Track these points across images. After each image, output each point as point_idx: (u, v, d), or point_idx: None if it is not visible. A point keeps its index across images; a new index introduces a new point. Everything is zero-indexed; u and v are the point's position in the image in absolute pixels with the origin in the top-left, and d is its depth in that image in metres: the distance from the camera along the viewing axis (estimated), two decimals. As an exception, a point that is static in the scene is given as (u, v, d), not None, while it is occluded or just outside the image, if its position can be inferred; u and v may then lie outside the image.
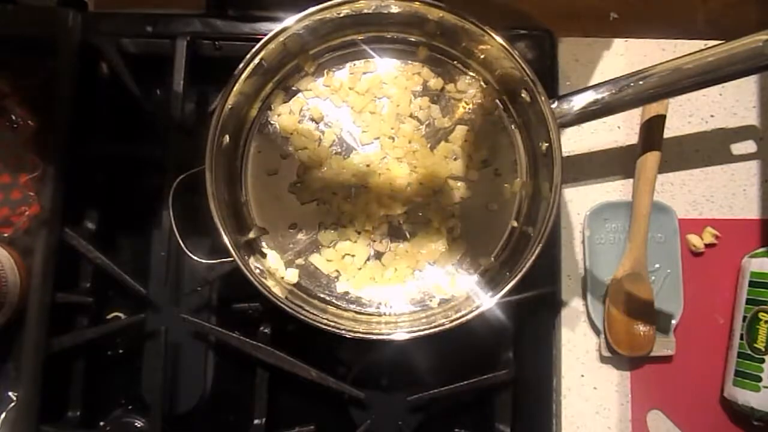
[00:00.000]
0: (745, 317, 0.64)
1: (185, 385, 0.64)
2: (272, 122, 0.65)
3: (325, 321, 0.58)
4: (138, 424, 0.64)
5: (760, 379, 0.61)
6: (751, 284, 0.64)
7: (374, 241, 0.64)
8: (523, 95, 0.62)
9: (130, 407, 0.65)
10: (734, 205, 0.68)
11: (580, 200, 0.68)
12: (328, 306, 0.63)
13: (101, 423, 0.64)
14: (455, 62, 0.66)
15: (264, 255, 0.63)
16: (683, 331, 0.66)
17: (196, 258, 0.60)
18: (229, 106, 0.59)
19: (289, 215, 0.64)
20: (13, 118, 0.64)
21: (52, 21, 0.63)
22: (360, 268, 0.64)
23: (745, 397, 0.62)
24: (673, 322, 0.66)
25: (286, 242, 0.64)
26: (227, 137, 0.61)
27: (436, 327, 0.57)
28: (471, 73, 0.65)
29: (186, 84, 0.65)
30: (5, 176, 0.64)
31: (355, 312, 0.63)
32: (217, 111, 0.59)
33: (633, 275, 0.65)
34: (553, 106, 0.59)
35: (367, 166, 0.64)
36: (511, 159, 0.65)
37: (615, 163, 0.68)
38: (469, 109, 0.66)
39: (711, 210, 0.68)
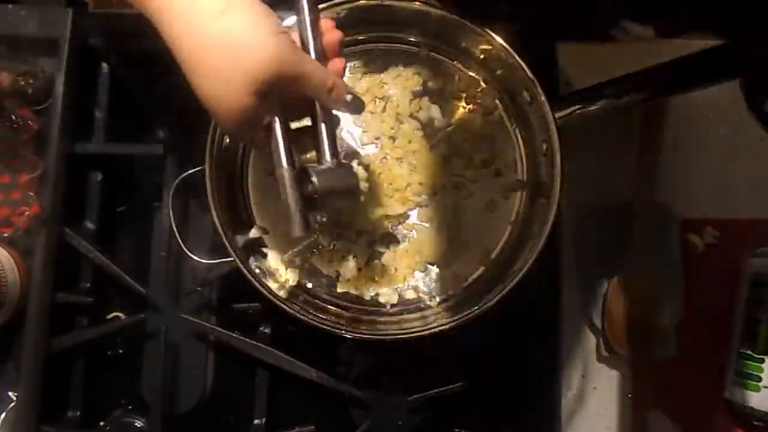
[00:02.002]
0: (745, 317, 0.64)
1: (185, 385, 0.64)
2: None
3: (325, 321, 0.58)
4: (138, 424, 0.64)
5: (760, 379, 0.61)
6: (751, 284, 0.64)
7: (374, 241, 0.64)
8: (523, 95, 0.62)
9: (130, 407, 0.65)
10: (734, 205, 0.68)
11: (580, 200, 0.68)
12: (328, 306, 0.63)
13: (101, 423, 0.64)
14: (455, 62, 0.66)
15: (264, 255, 0.63)
16: (683, 331, 0.66)
17: (196, 258, 0.60)
18: (229, 106, 0.59)
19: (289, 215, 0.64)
20: (13, 118, 0.64)
21: (52, 21, 0.64)
22: (360, 268, 0.64)
23: (745, 397, 0.62)
24: (673, 322, 0.65)
25: (286, 242, 0.64)
26: (227, 137, 0.61)
27: (436, 327, 0.57)
28: (471, 73, 0.65)
29: (186, 84, 0.64)
30: (5, 176, 0.64)
31: (356, 312, 0.63)
32: (217, 111, 0.59)
33: (633, 275, 0.64)
34: (553, 106, 0.59)
35: (367, 166, 0.64)
36: (511, 159, 0.65)
37: (615, 162, 0.68)
38: (469, 109, 0.66)
39: (711, 210, 0.68)
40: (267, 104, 0.45)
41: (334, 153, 0.51)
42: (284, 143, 0.48)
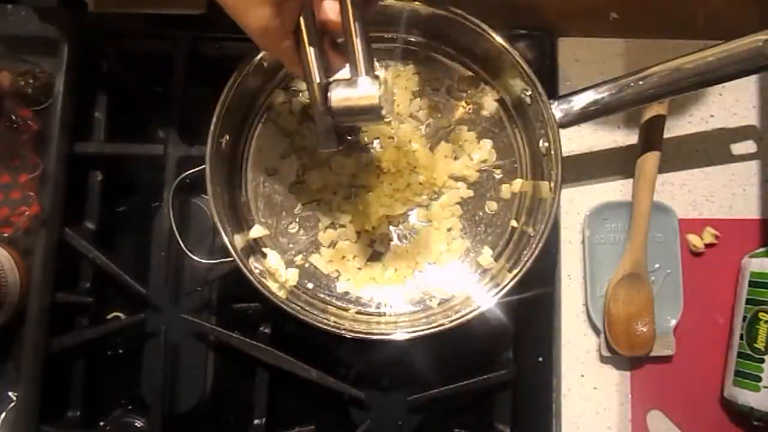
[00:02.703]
0: (745, 317, 0.64)
1: (185, 385, 0.64)
2: (272, 122, 0.65)
3: (326, 321, 0.58)
4: (138, 424, 0.64)
5: (760, 379, 0.61)
6: (751, 284, 0.64)
7: (374, 241, 0.64)
8: (523, 95, 0.62)
9: (130, 407, 0.65)
10: (734, 205, 0.68)
11: (580, 200, 0.68)
12: (329, 306, 0.63)
13: (101, 423, 0.64)
14: (455, 62, 0.66)
15: (264, 255, 0.63)
16: (683, 331, 0.66)
17: (196, 258, 0.60)
18: (229, 106, 0.59)
19: (289, 215, 0.64)
20: (13, 118, 0.64)
21: (52, 21, 0.64)
22: (360, 268, 0.64)
23: (745, 397, 0.62)
24: (673, 322, 0.65)
25: (286, 242, 0.64)
26: (227, 137, 0.61)
27: (436, 327, 0.58)
28: (471, 73, 0.65)
29: (186, 84, 0.65)
30: (5, 176, 0.64)
31: (355, 312, 0.63)
32: (217, 111, 0.59)
33: (633, 275, 0.65)
34: (553, 106, 0.59)
35: (367, 166, 0.64)
36: (511, 159, 0.65)
37: (615, 163, 0.68)
38: (469, 109, 0.66)
39: (711, 210, 0.68)
40: (285, 12, 0.46)
41: (369, 67, 0.48)
42: (314, 56, 0.47)
